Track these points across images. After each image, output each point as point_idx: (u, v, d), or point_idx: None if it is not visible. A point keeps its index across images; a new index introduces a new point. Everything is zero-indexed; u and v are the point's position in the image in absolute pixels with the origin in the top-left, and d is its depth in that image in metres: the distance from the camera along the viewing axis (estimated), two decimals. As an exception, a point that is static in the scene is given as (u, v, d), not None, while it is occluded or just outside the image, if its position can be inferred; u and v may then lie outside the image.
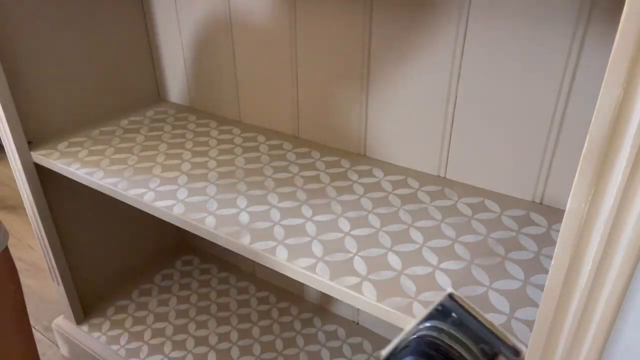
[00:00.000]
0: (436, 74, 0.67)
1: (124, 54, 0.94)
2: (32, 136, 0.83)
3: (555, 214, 0.63)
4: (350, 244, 0.59)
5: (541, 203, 0.66)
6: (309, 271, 0.55)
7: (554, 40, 0.57)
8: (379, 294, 0.51)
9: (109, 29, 0.90)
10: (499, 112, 0.64)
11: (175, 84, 1.00)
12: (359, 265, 0.55)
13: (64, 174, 0.79)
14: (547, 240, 0.59)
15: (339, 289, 0.53)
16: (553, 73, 0.58)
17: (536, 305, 0.49)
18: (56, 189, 0.88)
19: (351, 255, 0.57)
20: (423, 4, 0.64)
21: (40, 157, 0.81)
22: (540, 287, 0.51)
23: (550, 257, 0.55)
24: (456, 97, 0.66)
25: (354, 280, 0.53)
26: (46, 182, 0.85)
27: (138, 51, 0.96)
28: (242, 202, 0.67)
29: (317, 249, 0.58)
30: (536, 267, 0.55)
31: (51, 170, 0.81)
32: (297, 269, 0.55)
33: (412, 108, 0.71)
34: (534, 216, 0.63)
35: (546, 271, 0.53)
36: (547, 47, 0.57)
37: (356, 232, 0.61)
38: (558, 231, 0.61)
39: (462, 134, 0.68)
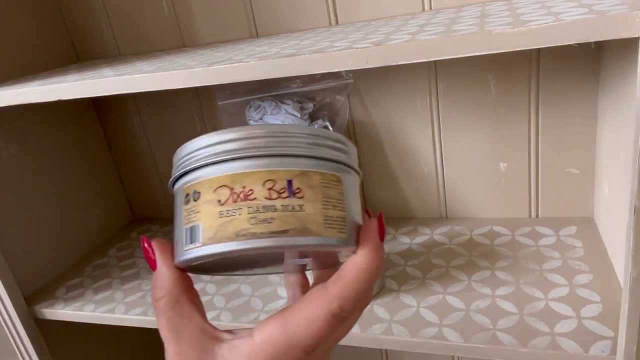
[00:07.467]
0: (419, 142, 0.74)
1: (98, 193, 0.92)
2: (27, 290, 0.78)
3: (555, 223, 0.72)
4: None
5: (537, 216, 0.74)
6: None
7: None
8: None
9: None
10: (487, 148, 0.73)
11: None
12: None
13: (70, 320, 0.74)
14: (563, 246, 0.66)
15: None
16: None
17: (596, 302, 0.56)
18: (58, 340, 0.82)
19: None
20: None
21: (41, 311, 0.76)
22: (585, 286, 0.58)
23: (577, 259, 0.63)
24: (441, 146, 0.74)
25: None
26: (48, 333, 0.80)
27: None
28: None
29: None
30: (572, 270, 0.62)
31: (53, 321, 0.76)
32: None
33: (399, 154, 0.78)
34: (540, 229, 0.71)
35: (582, 272, 0.60)
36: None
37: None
38: (567, 236, 0.70)
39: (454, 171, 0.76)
